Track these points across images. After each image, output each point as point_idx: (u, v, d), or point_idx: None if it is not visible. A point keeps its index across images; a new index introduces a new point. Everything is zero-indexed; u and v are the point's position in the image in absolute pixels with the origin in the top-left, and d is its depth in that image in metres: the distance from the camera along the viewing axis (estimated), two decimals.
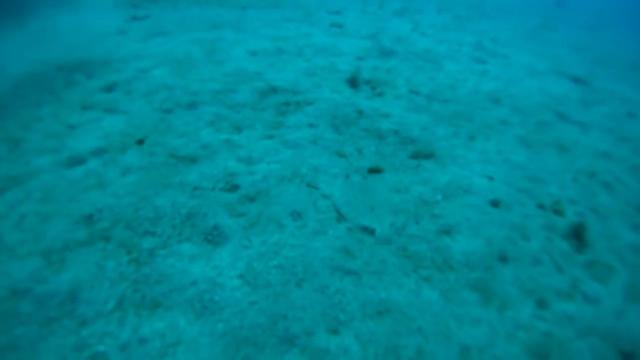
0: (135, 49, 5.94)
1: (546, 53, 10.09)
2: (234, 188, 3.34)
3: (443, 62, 8.24)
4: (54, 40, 6.65)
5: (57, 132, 4.02)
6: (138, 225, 3.02)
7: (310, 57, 7.23)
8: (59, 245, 2.94)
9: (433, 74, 7.37)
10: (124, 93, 4.68)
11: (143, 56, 5.68)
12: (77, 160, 3.64)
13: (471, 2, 17.20)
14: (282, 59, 6.73)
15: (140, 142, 3.78)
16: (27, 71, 5.34)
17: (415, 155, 4.39)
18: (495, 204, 3.79)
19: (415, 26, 10.88)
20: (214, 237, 2.89)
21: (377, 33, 9.86)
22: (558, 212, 3.78)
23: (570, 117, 6.06)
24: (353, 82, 6.31)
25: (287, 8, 11.55)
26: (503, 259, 3.18)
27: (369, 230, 3.10)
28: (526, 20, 14.65)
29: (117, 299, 2.59)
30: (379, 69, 7.36)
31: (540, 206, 3.84)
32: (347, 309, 2.42)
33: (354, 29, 10.04)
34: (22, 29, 7.40)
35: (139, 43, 6.29)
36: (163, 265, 2.71)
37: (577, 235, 3.41)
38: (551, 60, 9.36)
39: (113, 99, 4.56)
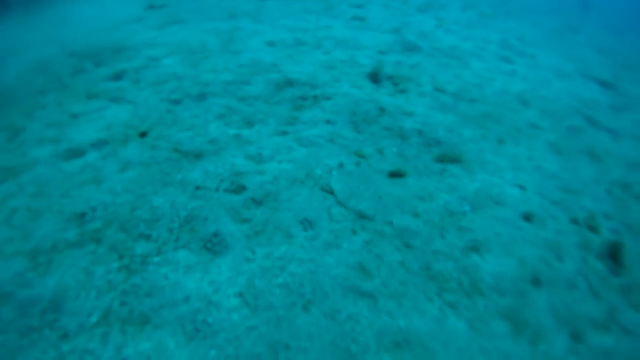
0: (148, 37, 5.67)
1: (572, 54, 9.47)
2: (240, 189, 3.01)
3: (469, 60, 7.73)
4: (67, 27, 6.46)
5: (58, 121, 3.76)
6: (133, 227, 2.73)
7: (330, 50, 6.84)
8: (47, 245, 2.68)
9: (459, 72, 6.88)
10: (132, 82, 4.41)
11: (156, 44, 5.40)
12: (76, 152, 3.37)
13: (494, 1, 16.41)
14: (301, 50, 6.36)
15: (143, 134, 3.49)
16: (37, 57, 5.13)
17: (441, 159, 3.98)
18: (527, 217, 3.36)
19: (440, 22, 10.37)
20: (214, 246, 2.56)
21: (400, 28, 9.40)
22: (592, 229, 3.34)
23: (601, 122, 5.52)
24: (374, 77, 5.89)
25: (308, 0, 11.16)
26: (536, 282, 2.76)
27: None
28: (550, 20, 13.89)
29: (102, 312, 2.29)
30: (402, 64, 6.91)
31: (574, 221, 3.40)
32: (360, 339, 2.06)
33: (377, 23, 9.60)
34: (39, 15, 7.25)
35: (153, 31, 6.02)
36: (155, 275, 2.40)
37: (613, 255, 2.98)
38: (577, 62, 8.75)
39: (120, 88, 4.29)
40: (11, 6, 7.78)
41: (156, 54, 5.13)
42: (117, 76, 4.52)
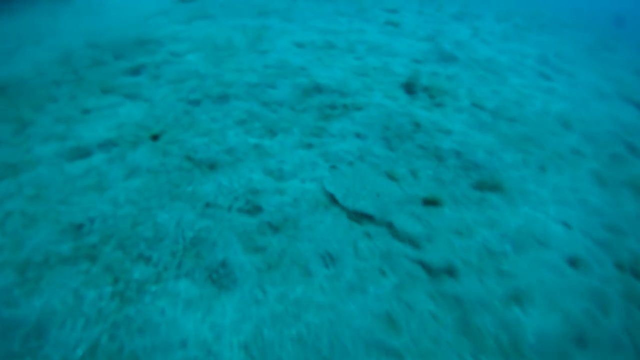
0: (173, 31, 5.41)
1: (609, 74, 8.86)
2: (255, 210, 2.67)
3: (507, 75, 7.25)
4: (93, 16, 6.29)
5: (68, 116, 3.51)
6: (132, 246, 2.42)
7: (362, 55, 6.46)
8: (38, 258, 2.40)
9: (497, 87, 6.41)
10: (151, 77, 4.13)
11: (180, 39, 5.14)
12: (82, 153, 3.10)
13: (529, 12, 15.69)
14: (331, 54, 6.00)
15: (155, 137, 3.19)
16: (57, 46, 4.93)
17: (480, 186, 3.55)
18: (573, 262, 2.93)
19: (475, 32, 9.90)
20: (220, 278, 2.22)
21: (435, 36, 8.97)
22: (637, 275, 2.88)
23: None
24: (409, 88, 5.47)
25: (341, 2, 10.85)
26: (581, 341, 2.35)
27: None
28: (584, 36, 13.18)
29: (89, 345, 1.99)
30: (439, 75, 6.47)
31: (619, 266, 2.96)
32: None
33: (411, 29, 9.19)
34: (67, 4, 7.13)
35: (178, 25, 5.77)
36: (151, 308, 2.08)
37: None
38: (615, 83, 8.16)
39: (137, 84, 4.02)
40: None
41: (179, 49, 4.86)
42: (136, 71, 4.25)
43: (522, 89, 6.43)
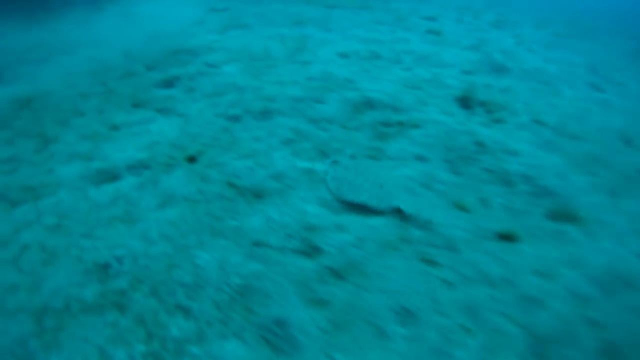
0: (207, 40, 5.17)
1: None
2: (313, 252, 2.26)
3: (559, 86, 6.82)
4: (125, 26, 6.15)
5: (95, 132, 3.22)
6: (168, 294, 2.04)
7: (410, 66, 6.09)
8: (58, 304, 2.06)
9: (553, 100, 6.00)
10: (185, 90, 3.84)
11: (215, 49, 4.87)
12: (109, 176, 2.78)
13: (564, 19, 15.14)
14: (377, 65, 5.64)
15: (192, 159, 2.84)
16: (87, 56, 4.73)
17: (555, 216, 3.13)
18: None
19: (518, 40, 9.50)
20: (277, 340, 1.81)
21: (480, 45, 8.60)
22: None
23: None
24: (465, 102, 5.06)
25: (377, 10, 10.63)
26: None
27: None
28: (625, 43, 12.53)
29: None
30: (493, 87, 6.02)
31: None
32: None
33: (454, 38, 8.85)
34: (100, 13, 7.06)
35: (213, 34, 5.54)
36: None
37: None
38: None
39: (170, 97, 3.72)
40: (75, 3, 7.70)
41: (215, 60, 4.58)
42: (169, 83, 3.97)
43: (578, 102, 6.02)
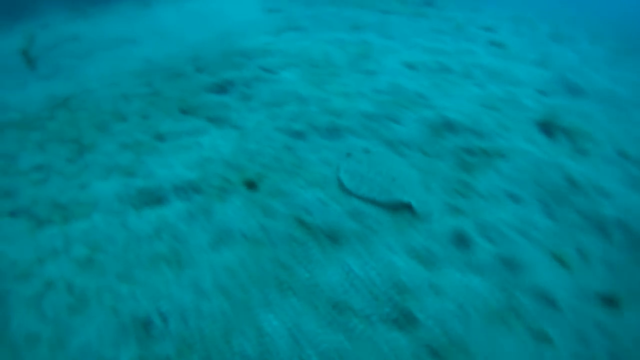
0: (262, 42, 4.79)
1: None
2: (407, 322, 1.78)
3: (632, 111, 6.22)
4: (173, 24, 5.88)
5: (138, 142, 2.82)
6: None
7: (482, 82, 5.56)
8: None
9: (629, 128, 5.43)
10: (240, 98, 3.42)
11: (271, 52, 4.46)
12: (153, 198, 2.35)
13: (618, 34, 14.24)
14: (448, 79, 5.12)
15: (251, 184, 2.39)
16: (131, 53, 4.41)
17: None
18: None
19: (582, 57, 8.88)
20: None
21: (545, 60, 8.07)
22: None
23: None
24: (546, 128, 4.55)
25: (434, 19, 10.19)
26: None
27: None
28: None
29: None
30: (571, 112, 5.46)
31: None
32: None
33: (518, 51, 8.35)
34: (147, 9, 6.84)
35: (267, 36, 5.16)
36: None
37: None
38: None
39: (223, 104, 3.31)
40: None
41: (272, 64, 4.16)
42: (222, 88, 3.57)
43: None
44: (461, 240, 2.42)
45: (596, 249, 2.72)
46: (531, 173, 3.37)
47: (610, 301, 2.34)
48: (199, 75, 3.77)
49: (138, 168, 2.64)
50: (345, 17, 7.53)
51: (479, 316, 1.95)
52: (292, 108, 3.41)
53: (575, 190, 3.32)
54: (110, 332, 1.75)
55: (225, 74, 3.84)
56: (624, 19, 14.49)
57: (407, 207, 2.52)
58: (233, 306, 1.82)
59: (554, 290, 2.23)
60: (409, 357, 1.72)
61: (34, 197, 2.56)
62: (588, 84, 6.75)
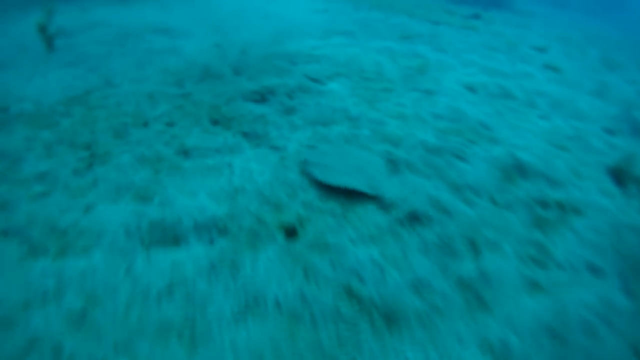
0: (307, 45, 4.35)
1: None
2: None
3: None
4: (210, 15, 5.46)
5: (158, 156, 2.40)
6: None
7: (547, 114, 5.04)
8: None
9: None
10: (282, 111, 2.97)
11: (317, 57, 4.00)
12: (167, 236, 1.92)
13: None
14: (511, 107, 4.60)
15: (291, 231, 1.93)
16: (162, 45, 4.01)
17: None
18: None
19: (637, 89, 8.12)
20: None
21: (602, 90, 7.52)
22: None
23: None
24: (618, 177, 4.04)
25: (484, 34, 9.71)
26: None
27: None
28: None
29: None
30: None
31: None
32: None
33: (574, 78, 7.85)
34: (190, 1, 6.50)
35: (313, 39, 4.70)
36: None
37: None
38: None
39: (262, 117, 2.87)
40: None
41: (318, 72, 3.70)
42: (262, 96, 3.12)
43: None
44: (550, 333, 1.90)
45: None
46: (609, 237, 2.87)
47: None
48: (236, 79, 3.34)
49: (155, 191, 2.22)
50: (394, 24, 7.03)
51: None
52: (341, 129, 2.93)
53: None
54: None
55: (267, 80, 3.40)
56: None
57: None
58: None
59: None
60: None
61: (32, 214, 2.17)
62: None
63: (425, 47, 6.05)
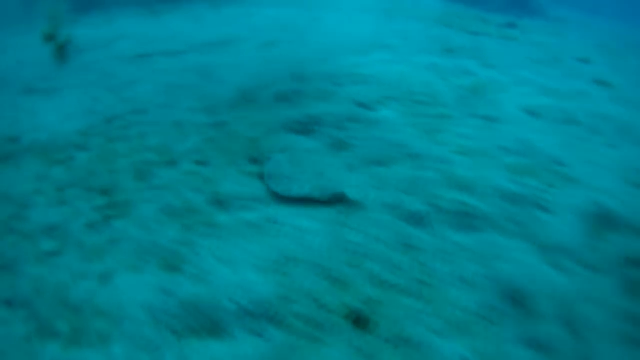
0: (350, 62, 3.99)
1: None
2: None
3: None
4: (242, 29, 5.12)
5: (189, 207, 2.02)
6: None
7: (615, 142, 4.60)
8: None
9: None
10: (331, 145, 2.59)
11: (363, 77, 3.62)
12: (204, 323, 1.60)
13: None
14: (578, 135, 4.15)
15: (360, 319, 1.50)
16: (194, 63, 3.67)
17: None
18: None
19: None
20: None
21: None
22: None
23: None
24: None
25: (525, 44, 9.31)
26: None
27: None
28: None
29: None
30: None
31: None
32: None
33: (627, 95, 7.22)
34: (215, 10, 6.21)
35: (354, 54, 4.30)
36: None
37: None
38: None
39: (311, 154, 2.44)
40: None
41: (367, 96, 3.31)
42: (306, 127, 2.73)
43: None
44: None
45: None
46: None
47: None
48: (277, 105, 2.96)
49: (185, 258, 1.82)
50: (433, 36, 6.65)
51: None
52: (403, 170, 2.50)
53: None
54: None
55: (311, 107, 3.00)
56: None
57: None
58: None
59: None
60: None
61: (40, 280, 1.81)
62: None
63: (471, 62, 5.61)
